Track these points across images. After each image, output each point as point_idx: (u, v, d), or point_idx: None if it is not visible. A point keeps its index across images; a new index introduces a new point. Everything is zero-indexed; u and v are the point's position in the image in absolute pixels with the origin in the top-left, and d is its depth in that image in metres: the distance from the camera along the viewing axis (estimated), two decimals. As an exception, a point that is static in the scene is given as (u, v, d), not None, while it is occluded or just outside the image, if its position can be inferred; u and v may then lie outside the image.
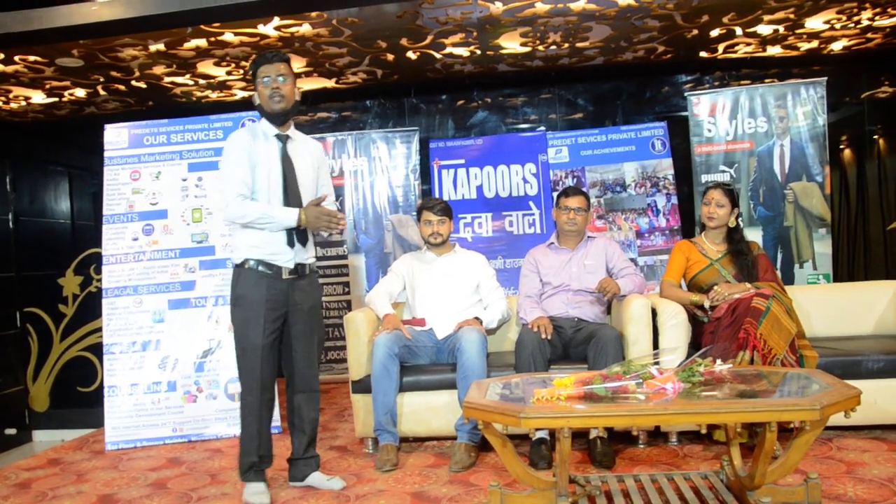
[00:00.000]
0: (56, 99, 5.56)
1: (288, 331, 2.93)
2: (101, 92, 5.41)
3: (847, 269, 5.87)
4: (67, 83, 5.19)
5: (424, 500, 2.79)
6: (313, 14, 4.07)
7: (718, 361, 2.50)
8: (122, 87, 5.32)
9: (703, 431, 2.33)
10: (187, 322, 4.02)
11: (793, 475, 2.66)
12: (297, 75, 5.29)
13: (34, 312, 6.42)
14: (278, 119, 2.89)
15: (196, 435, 3.94)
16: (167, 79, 5.14)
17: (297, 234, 2.87)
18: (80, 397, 6.34)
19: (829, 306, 3.86)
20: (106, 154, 4.19)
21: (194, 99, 5.69)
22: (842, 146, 6.00)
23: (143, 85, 5.26)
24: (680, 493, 2.50)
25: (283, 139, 2.91)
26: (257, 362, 2.82)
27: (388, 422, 3.33)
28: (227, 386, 3.97)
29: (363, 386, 3.47)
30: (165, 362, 3.98)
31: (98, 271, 6.23)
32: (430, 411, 3.46)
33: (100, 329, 6.14)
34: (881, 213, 5.95)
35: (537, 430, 3.06)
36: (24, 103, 5.60)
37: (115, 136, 4.21)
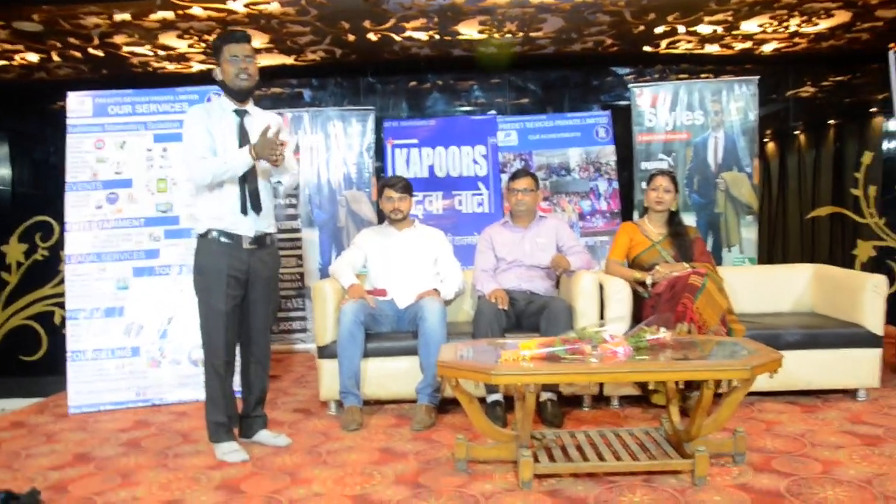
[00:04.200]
0: (6, 62, 5.47)
1: (246, 298, 3.09)
2: (56, 58, 5.36)
3: (768, 252, 6.35)
4: (20, 47, 5.12)
5: (393, 454, 3.02)
6: (283, -8, 4.20)
7: (662, 329, 2.81)
8: (77, 54, 5.29)
9: (651, 387, 2.63)
10: (151, 289, 4.11)
11: (721, 432, 3.00)
12: (257, 51, 5.38)
13: (-26, 281, 6.32)
14: (240, 95, 3.04)
15: (159, 399, 4.05)
16: (126, 48, 5.14)
17: (251, 202, 3.01)
18: (22, 366, 6.28)
19: (755, 286, 4.23)
20: (69, 122, 4.20)
21: (150, 69, 5.68)
22: (767, 140, 6.46)
23: (100, 53, 5.24)
24: (626, 446, 2.80)
25: (241, 114, 3.05)
26: (221, 328, 2.98)
27: (353, 385, 3.54)
28: (191, 352, 4.09)
29: (329, 352, 3.66)
30: (130, 328, 4.07)
31: (45, 239, 6.18)
32: (392, 376, 3.67)
33: (45, 297, 6.15)
34: (799, 203, 6.46)
35: (505, 386, 3.31)
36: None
37: (79, 103, 4.22)
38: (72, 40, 4.95)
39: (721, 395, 2.76)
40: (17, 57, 5.36)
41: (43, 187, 6.12)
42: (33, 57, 5.35)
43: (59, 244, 6.04)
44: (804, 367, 3.61)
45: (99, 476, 2.87)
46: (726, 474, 2.67)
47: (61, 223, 6.06)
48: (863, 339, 3.63)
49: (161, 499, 2.60)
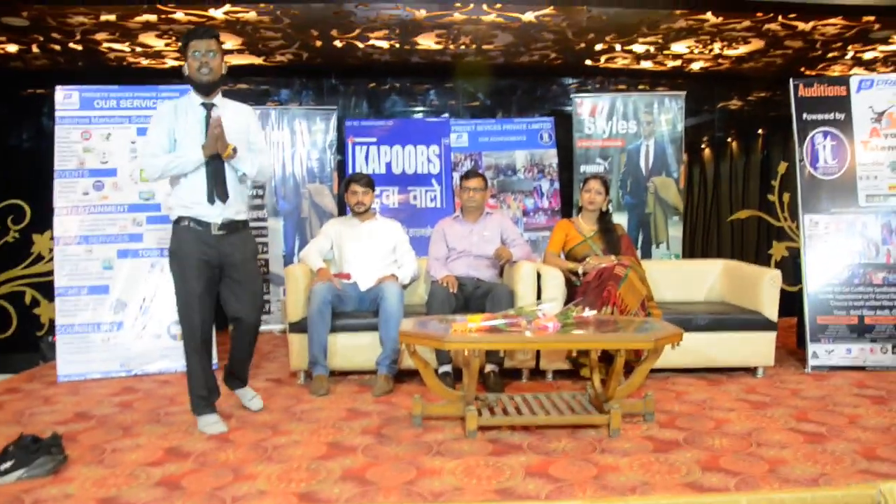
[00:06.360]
0: (-15, 53, 5.73)
1: (227, 281, 3.32)
2: (35, 49, 5.64)
3: (700, 249, 7.02)
4: (3, 38, 5.38)
5: (357, 413, 3.52)
6: (262, 4, 4.61)
7: (587, 309, 3.36)
8: (57, 48, 5.58)
9: (576, 356, 3.17)
10: (134, 270, 4.51)
11: (635, 397, 3.57)
12: (230, 52, 5.77)
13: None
14: (203, 89, 3.22)
15: (141, 370, 4.45)
16: (106, 44, 5.47)
17: (217, 191, 3.20)
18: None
19: (674, 277, 4.85)
20: (57, 113, 4.55)
21: (125, 64, 6.00)
22: (699, 147, 7.12)
23: (79, 47, 5.55)
24: (555, 406, 3.35)
25: (208, 107, 3.23)
26: (196, 308, 3.19)
27: (322, 356, 4.02)
28: (170, 327, 4.50)
29: (300, 327, 4.12)
30: (114, 305, 4.45)
31: (16, 222, 6.44)
32: (354, 349, 4.15)
33: (16, 278, 6.41)
34: (729, 205, 7.14)
35: (454, 354, 3.79)
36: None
37: (66, 97, 4.57)
38: (55, 35, 5.25)
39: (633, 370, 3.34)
40: (-3, 48, 5.62)
41: (16, 172, 6.36)
42: (12, 48, 5.62)
43: (31, 227, 6.34)
44: (712, 348, 4.22)
45: (102, 429, 3.29)
46: (637, 429, 3.25)
47: (32, 207, 6.36)
48: (760, 323, 4.26)
49: (162, 446, 3.04)
